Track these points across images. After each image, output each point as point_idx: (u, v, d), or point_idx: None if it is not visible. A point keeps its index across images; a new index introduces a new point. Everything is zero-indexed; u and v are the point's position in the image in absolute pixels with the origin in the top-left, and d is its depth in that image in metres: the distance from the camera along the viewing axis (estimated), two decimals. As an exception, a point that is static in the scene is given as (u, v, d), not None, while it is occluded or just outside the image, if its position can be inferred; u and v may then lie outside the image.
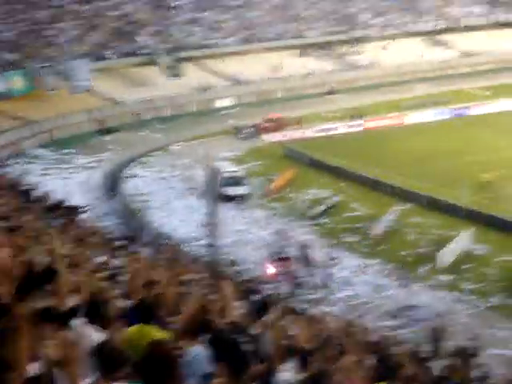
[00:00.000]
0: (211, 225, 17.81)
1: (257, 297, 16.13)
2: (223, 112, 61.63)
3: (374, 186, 41.72)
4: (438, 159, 45.02)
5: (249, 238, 35.48)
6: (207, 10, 73.77)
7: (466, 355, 18.61)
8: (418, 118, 57.65)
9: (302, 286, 30.25)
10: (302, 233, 35.96)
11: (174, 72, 65.25)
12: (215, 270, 18.60)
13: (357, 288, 30.13)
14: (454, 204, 37.18)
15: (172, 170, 47.38)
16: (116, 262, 12.32)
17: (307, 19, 77.40)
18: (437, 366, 15.88)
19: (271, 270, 30.93)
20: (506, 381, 16.84)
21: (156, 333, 5.43)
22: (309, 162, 47.08)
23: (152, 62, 65.38)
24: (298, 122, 56.84)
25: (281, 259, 31.46)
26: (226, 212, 38.28)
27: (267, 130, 54.54)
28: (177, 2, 72.98)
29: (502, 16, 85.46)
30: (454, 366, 16.08)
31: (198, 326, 5.69)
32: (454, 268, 31.24)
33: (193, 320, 5.78)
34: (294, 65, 69.74)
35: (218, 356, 4.99)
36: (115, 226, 35.41)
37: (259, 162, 48.16)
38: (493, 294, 28.78)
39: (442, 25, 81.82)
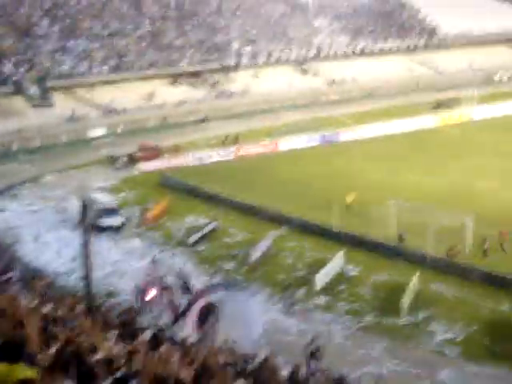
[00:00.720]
0: (85, 257, 17.36)
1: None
2: (96, 142, 60.59)
3: (250, 212, 42.26)
4: (310, 184, 46.35)
5: (125, 268, 34.92)
6: (76, 39, 72.56)
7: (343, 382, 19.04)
8: (290, 144, 59.10)
9: (182, 315, 30.04)
10: (180, 261, 35.85)
11: (42, 102, 63.55)
12: (90, 303, 18.18)
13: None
14: (325, 227, 38.33)
15: (44, 202, 45.92)
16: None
17: (179, 48, 77.88)
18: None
19: (150, 296, 30.62)
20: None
21: (22, 371, 5.27)
22: (185, 189, 47.09)
23: (19, 92, 63.36)
24: (173, 150, 56.83)
25: (161, 288, 31.18)
26: (102, 243, 37.55)
27: (142, 159, 54.11)
28: (44, 30, 71.32)
29: (365, 45, 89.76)
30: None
31: (67, 362, 5.56)
32: (329, 290, 32.14)
33: (61, 355, 5.65)
34: (166, 93, 69.89)
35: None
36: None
37: (135, 192, 47.66)
38: (365, 313, 29.81)
39: (307, 54, 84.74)
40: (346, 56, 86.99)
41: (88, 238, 17.55)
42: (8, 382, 5.15)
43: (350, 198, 41.53)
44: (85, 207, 18.00)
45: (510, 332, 27.27)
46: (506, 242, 34.80)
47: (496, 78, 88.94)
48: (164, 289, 31.07)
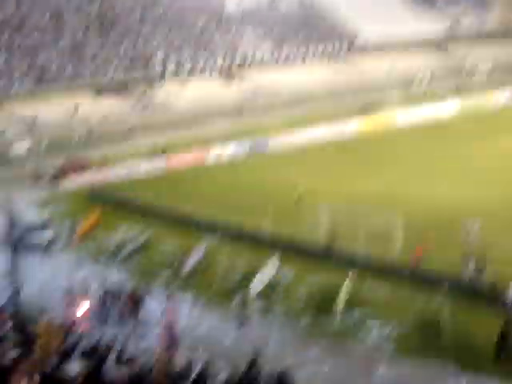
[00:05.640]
0: (14, 275, 16.83)
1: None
2: (20, 158, 59.14)
3: (181, 222, 41.99)
4: (242, 191, 46.46)
5: (57, 284, 34.09)
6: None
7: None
8: (219, 152, 59.11)
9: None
10: (111, 274, 35.28)
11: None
12: (21, 322, 17.67)
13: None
14: (258, 234, 38.48)
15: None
16: None
17: (102, 59, 76.89)
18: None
19: (80, 311, 30.09)
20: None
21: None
22: (114, 202, 46.43)
23: None
24: (100, 164, 55.96)
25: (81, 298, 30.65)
26: (31, 260, 36.62)
27: (69, 174, 53.06)
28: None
29: (289, 52, 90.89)
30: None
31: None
32: (265, 294, 32.19)
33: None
34: (91, 105, 68.87)
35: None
36: None
37: (63, 207, 46.70)
38: (302, 315, 29.99)
39: (234, 61, 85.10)
40: (270, 63, 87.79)
41: (15, 256, 17.02)
42: None
43: (299, 191, 43.78)
44: (10, 225, 17.52)
45: (439, 328, 27.86)
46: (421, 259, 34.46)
47: (417, 80, 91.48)
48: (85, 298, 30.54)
